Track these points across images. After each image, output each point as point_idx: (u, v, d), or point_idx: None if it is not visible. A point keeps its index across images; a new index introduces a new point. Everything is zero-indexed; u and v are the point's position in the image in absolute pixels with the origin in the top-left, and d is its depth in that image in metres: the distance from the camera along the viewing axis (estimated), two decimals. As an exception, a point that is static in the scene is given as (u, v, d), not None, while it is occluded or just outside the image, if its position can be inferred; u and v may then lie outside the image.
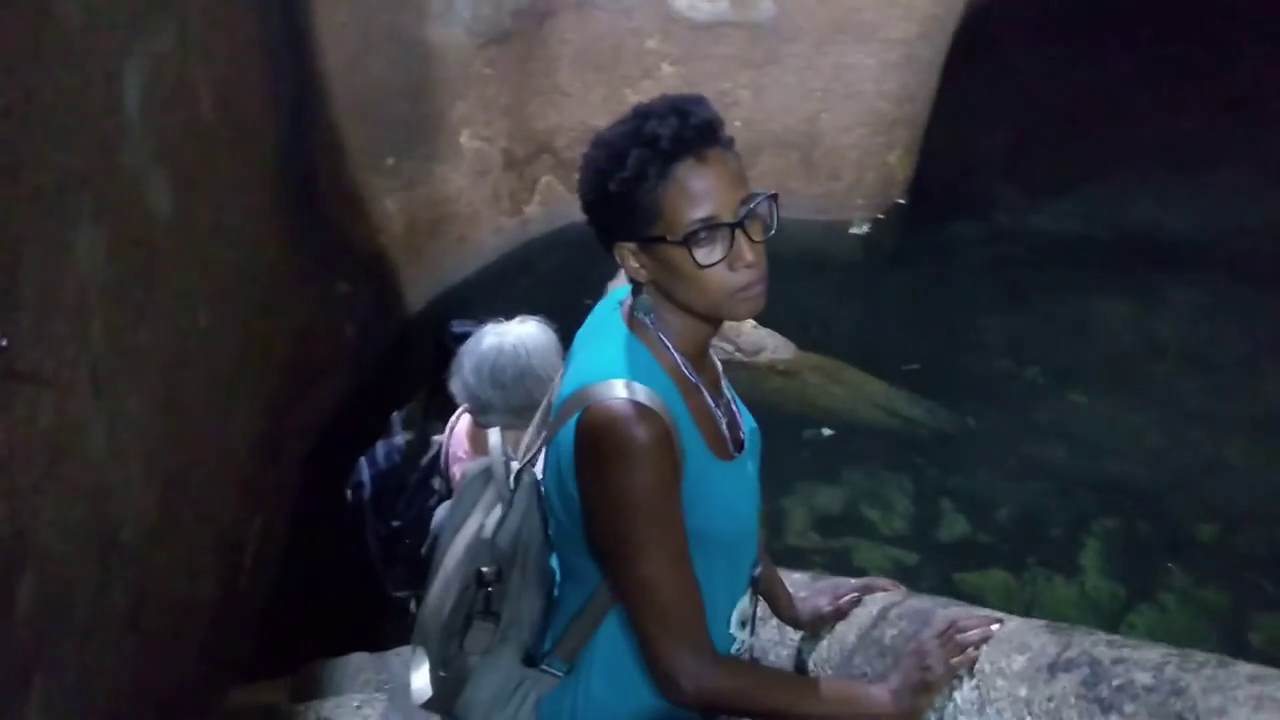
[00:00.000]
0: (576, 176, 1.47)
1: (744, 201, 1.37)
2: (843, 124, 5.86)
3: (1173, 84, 7.27)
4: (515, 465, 1.57)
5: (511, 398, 2.50)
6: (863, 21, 5.81)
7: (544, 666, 1.56)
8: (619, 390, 1.36)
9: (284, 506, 4.30)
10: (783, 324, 5.11)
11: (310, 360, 4.76)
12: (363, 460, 2.96)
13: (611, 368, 1.40)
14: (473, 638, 1.55)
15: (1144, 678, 1.26)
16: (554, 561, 1.61)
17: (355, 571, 3.07)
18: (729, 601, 1.56)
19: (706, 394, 1.49)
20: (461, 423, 2.71)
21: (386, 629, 3.54)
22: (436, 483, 2.71)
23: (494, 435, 1.64)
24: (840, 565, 4.14)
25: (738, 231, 1.36)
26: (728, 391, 1.58)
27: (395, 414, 3.07)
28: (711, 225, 1.35)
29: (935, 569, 4.23)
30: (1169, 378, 5.33)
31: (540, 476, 1.56)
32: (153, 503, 2.76)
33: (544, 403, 1.61)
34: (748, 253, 1.37)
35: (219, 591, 3.43)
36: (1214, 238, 6.21)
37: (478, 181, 5.91)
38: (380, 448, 2.96)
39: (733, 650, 1.57)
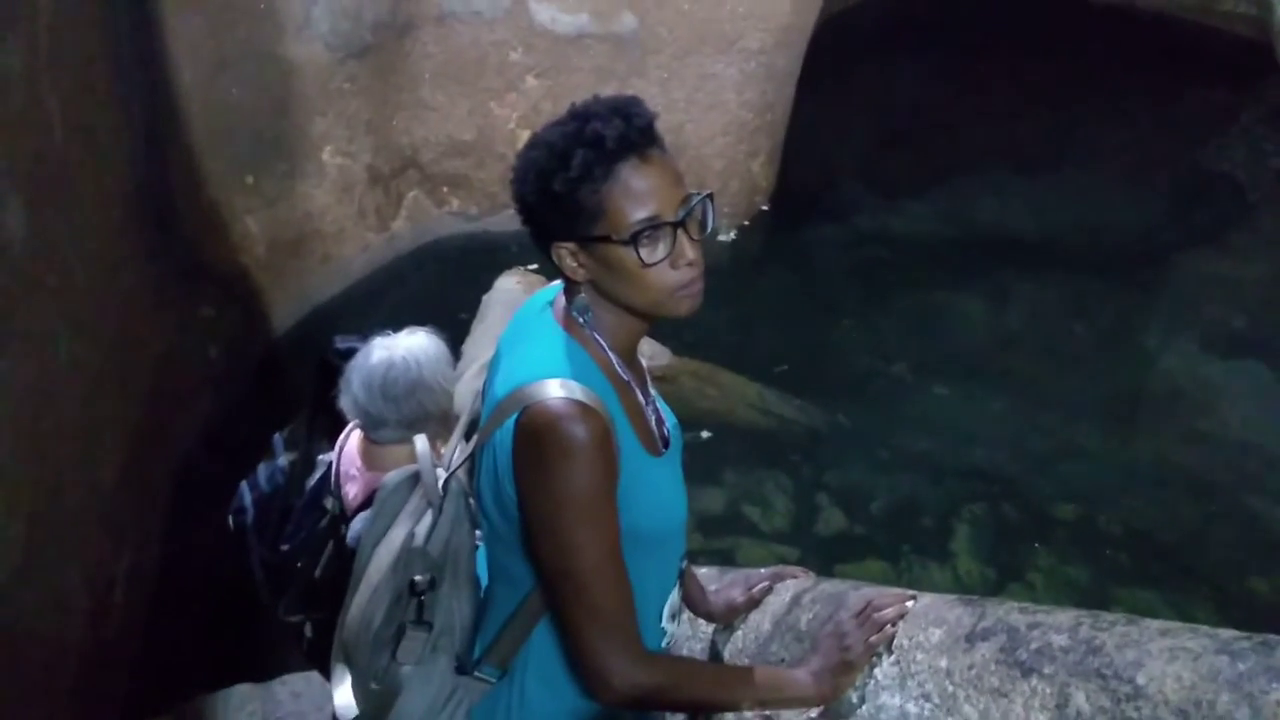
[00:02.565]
0: (512, 179, 1.46)
1: (684, 201, 1.40)
2: (706, 134, 5.96)
3: (1015, 91, 7.62)
4: (442, 472, 1.55)
5: (404, 411, 2.46)
6: (722, 32, 5.92)
7: (476, 674, 1.55)
8: (558, 389, 1.37)
9: (157, 538, 4.14)
10: (658, 330, 5.14)
11: (174, 388, 4.59)
12: (244, 484, 2.86)
13: (548, 367, 1.40)
14: (406, 648, 1.53)
15: (1060, 639, 1.32)
16: (480, 568, 1.60)
17: (237, 600, 2.97)
18: (660, 596, 1.58)
19: (638, 392, 1.51)
20: (352, 440, 2.64)
21: (271, 659, 3.45)
22: (328, 503, 2.64)
23: (421, 443, 1.62)
24: (725, 565, 4.20)
25: (680, 230, 1.38)
26: (652, 389, 1.59)
27: (276, 435, 2.97)
28: (655, 224, 1.37)
29: (816, 563, 4.30)
30: (1023, 368, 5.58)
31: (463, 481, 1.55)
32: (17, 542, 2.63)
33: (469, 408, 1.60)
34: (689, 251, 1.39)
35: (90, 629, 3.28)
36: (1057, 235, 6.52)
37: (342, 198, 5.80)
38: (262, 470, 2.86)
39: (663, 643, 1.60)
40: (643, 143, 1.38)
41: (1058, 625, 1.34)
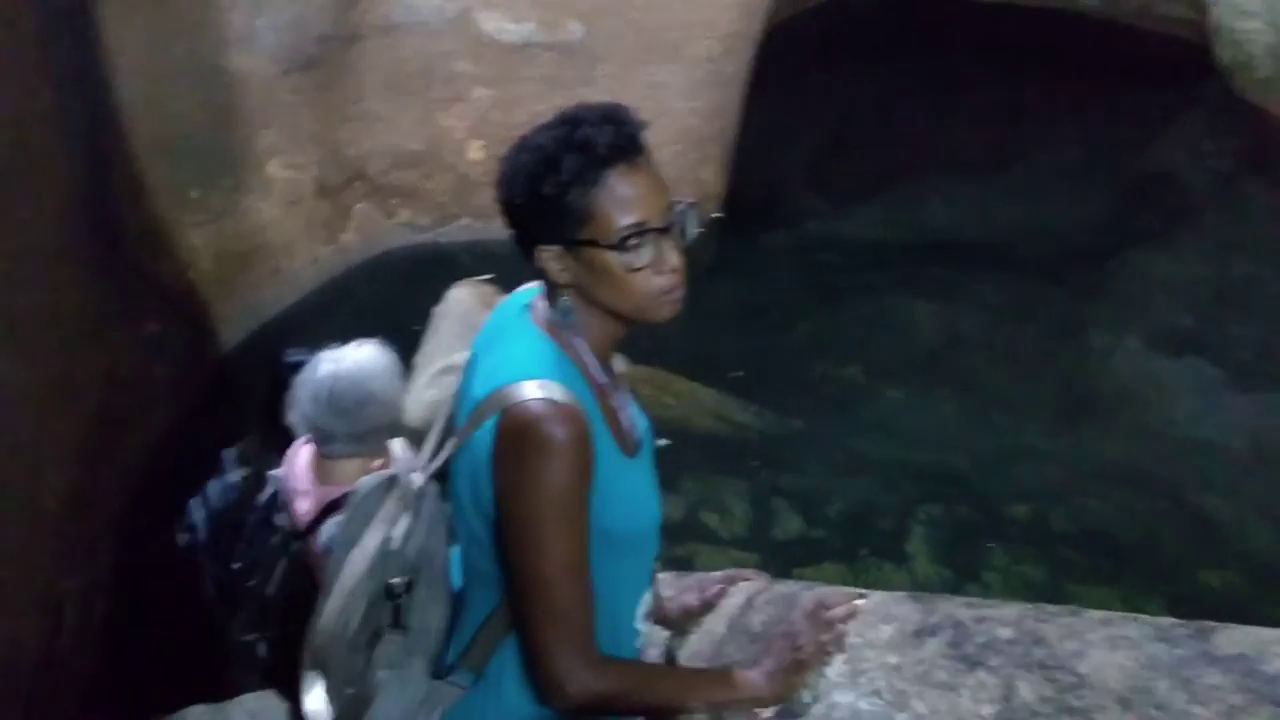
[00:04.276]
0: (498, 181, 1.48)
1: (669, 209, 1.43)
2: (656, 141, 5.84)
3: (959, 97, 7.72)
4: (418, 475, 1.55)
5: (354, 424, 2.45)
6: (669, 41, 5.95)
7: (451, 678, 1.55)
8: (538, 390, 1.39)
9: (107, 559, 4.08)
10: (613, 339, 5.16)
11: (121, 406, 4.53)
12: (194, 502, 2.83)
13: (528, 369, 1.42)
14: (382, 652, 1.53)
15: (1005, 632, 1.34)
16: (455, 571, 1.60)
17: (190, 620, 2.93)
18: (635, 596, 1.60)
19: (614, 394, 1.53)
20: (302, 454, 2.62)
21: (225, 679, 3.39)
22: (280, 519, 2.61)
23: (397, 446, 1.62)
24: (685, 571, 4.20)
25: (664, 237, 1.41)
26: (627, 392, 1.61)
27: (227, 451, 2.94)
28: (642, 230, 1.40)
29: (774, 567, 4.31)
30: (974, 369, 5.64)
31: (439, 484, 1.55)
32: (-38, 564, 2.57)
33: (444, 411, 1.60)
34: (673, 257, 1.42)
35: (40, 652, 3.22)
36: (1004, 237, 6.61)
37: (290, 211, 5.75)
38: (213, 487, 2.83)
39: (637, 644, 1.61)
40: (631, 150, 1.41)
41: (1003, 619, 1.36)
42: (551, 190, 1.40)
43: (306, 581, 2.49)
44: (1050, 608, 1.37)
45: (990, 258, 6.44)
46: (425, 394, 2.67)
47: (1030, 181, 7.08)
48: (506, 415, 1.39)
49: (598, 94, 5.91)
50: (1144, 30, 8.00)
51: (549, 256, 1.44)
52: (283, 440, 2.69)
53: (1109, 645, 1.20)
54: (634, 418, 1.59)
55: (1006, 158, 7.40)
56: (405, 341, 4.51)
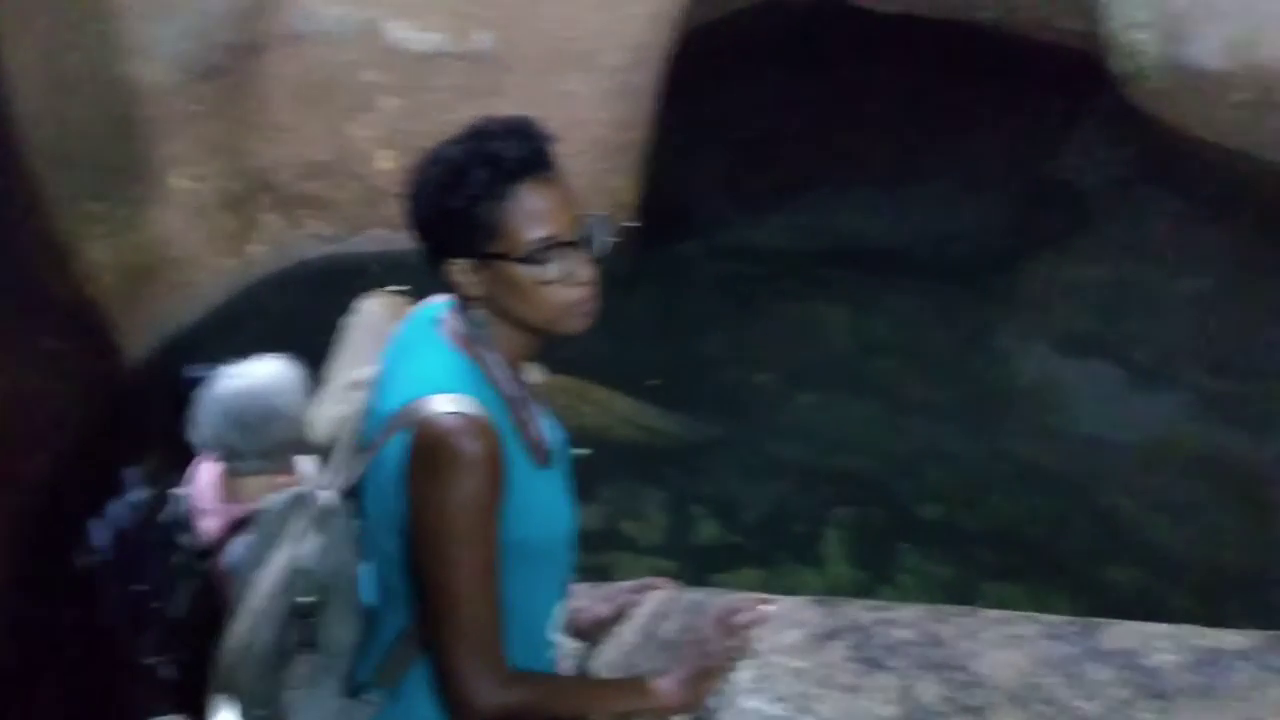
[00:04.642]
0: (406, 194, 1.49)
1: (580, 222, 1.44)
2: (568, 152, 5.83)
3: (868, 106, 7.85)
4: (326, 492, 1.54)
5: (259, 441, 2.42)
6: (579, 50, 5.95)
7: (364, 696, 1.54)
8: (450, 404, 1.39)
9: (6, 586, 3.95)
10: (528, 349, 5.15)
11: (19, 427, 4.40)
12: (96, 523, 2.76)
13: (440, 383, 1.42)
14: (293, 672, 1.52)
15: (905, 634, 1.37)
16: (365, 589, 1.59)
17: (94, 644, 2.86)
18: (551, 607, 1.61)
19: (526, 406, 1.53)
20: (207, 472, 2.58)
21: (132, 703, 3.31)
22: (184, 539, 2.56)
23: (305, 463, 1.61)
24: (604, 581, 4.21)
25: (576, 250, 1.43)
26: (540, 403, 1.62)
27: (129, 471, 2.88)
28: (552, 244, 1.41)
29: (692, 573, 4.36)
30: (885, 373, 5.74)
31: (348, 501, 1.54)
32: None
33: (352, 425, 1.59)
34: (585, 270, 1.44)
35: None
36: (913, 244, 6.73)
37: (194, 223, 5.64)
38: (115, 508, 2.77)
39: (554, 655, 1.63)
40: (540, 164, 1.43)
41: (903, 620, 1.39)
42: (460, 204, 1.41)
43: (213, 602, 2.45)
44: (948, 608, 1.41)
45: (900, 264, 6.56)
46: (332, 409, 2.62)
47: (937, 189, 7.22)
48: (418, 429, 1.39)
49: (508, 104, 5.88)
50: (1042, 42, 8.24)
51: (459, 270, 1.45)
52: (187, 458, 2.64)
53: (1003, 644, 1.24)
54: (546, 429, 1.60)
55: (914, 166, 7.54)
56: (315, 354, 4.46)
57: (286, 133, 5.91)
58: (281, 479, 2.43)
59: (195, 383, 2.59)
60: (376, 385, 1.56)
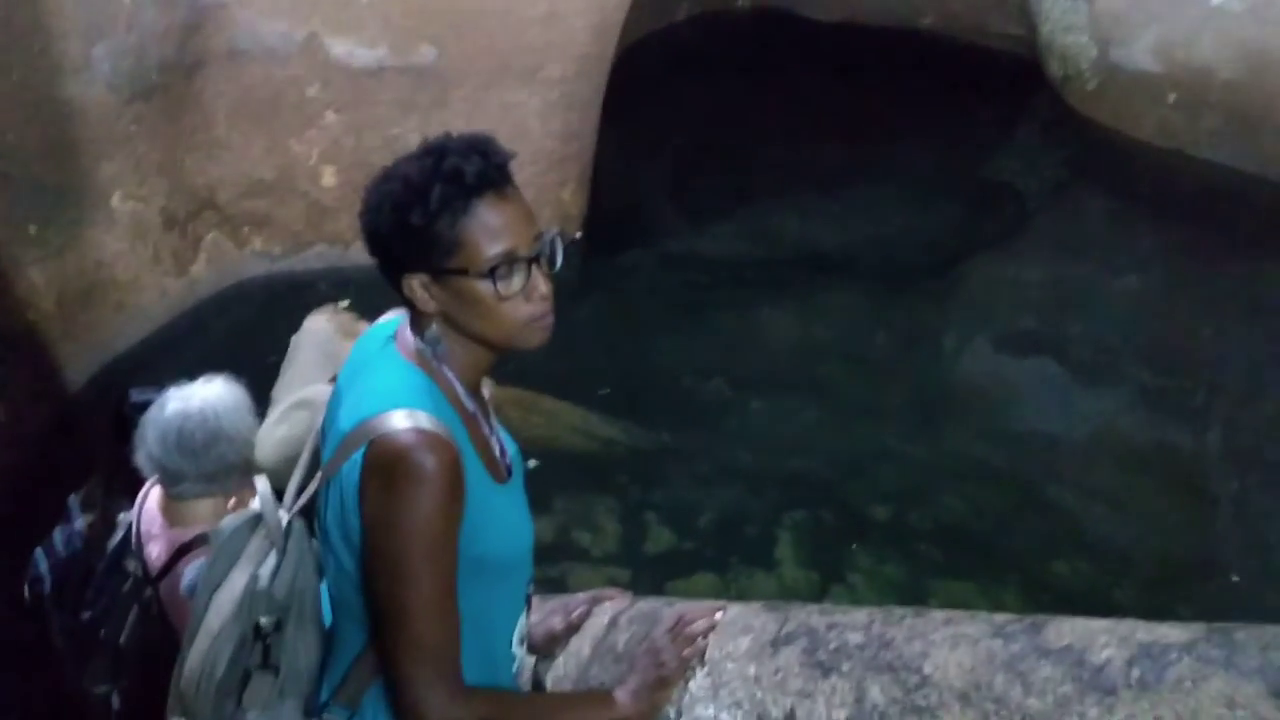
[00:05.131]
0: (364, 210, 1.49)
1: (538, 238, 1.46)
2: (514, 164, 5.96)
3: (811, 113, 7.93)
4: (284, 512, 1.54)
5: (204, 464, 2.40)
6: (523, 63, 5.95)
7: (324, 715, 1.54)
8: (407, 420, 1.39)
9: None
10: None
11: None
12: (39, 552, 2.72)
13: (396, 398, 1.42)
14: (252, 693, 1.51)
15: (855, 637, 1.39)
16: (324, 608, 1.60)
17: (39, 674, 2.81)
18: (510, 621, 1.62)
19: (483, 422, 1.54)
20: (152, 497, 2.54)
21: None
22: (130, 565, 2.53)
23: (262, 483, 1.59)
24: (558, 592, 4.21)
25: (534, 265, 1.44)
26: (495, 418, 1.64)
27: (72, 497, 2.83)
28: (512, 259, 1.42)
29: (647, 582, 4.38)
30: (833, 376, 5.79)
31: (301, 521, 1.55)
32: None
33: (308, 444, 1.59)
34: (542, 285, 1.46)
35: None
36: (858, 248, 6.80)
37: (135, 244, 5.56)
38: (58, 535, 2.73)
39: (514, 668, 1.63)
40: (500, 180, 1.44)
41: (853, 624, 1.41)
42: (419, 220, 1.41)
43: (160, 629, 2.42)
44: (898, 610, 1.43)
45: (845, 268, 6.63)
46: (277, 430, 2.62)
47: (880, 193, 7.31)
48: (375, 446, 1.39)
49: (452, 117, 5.92)
50: (980, 47, 8.37)
51: (416, 285, 1.46)
52: (131, 483, 2.61)
53: (950, 644, 1.26)
54: (503, 444, 1.61)
55: (857, 171, 7.62)
56: (263, 373, 4.41)
57: (229, 150, 5.84)
58: (228, 502, 2.41)
59: (140, 406, 2.56)
60: (331, 404, 1.56)
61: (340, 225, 5.96)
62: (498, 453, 1.57)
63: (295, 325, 4.81)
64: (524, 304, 1.44)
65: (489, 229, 1.42)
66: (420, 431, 1.39)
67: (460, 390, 1.50)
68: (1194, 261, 6.68)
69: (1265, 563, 4.76)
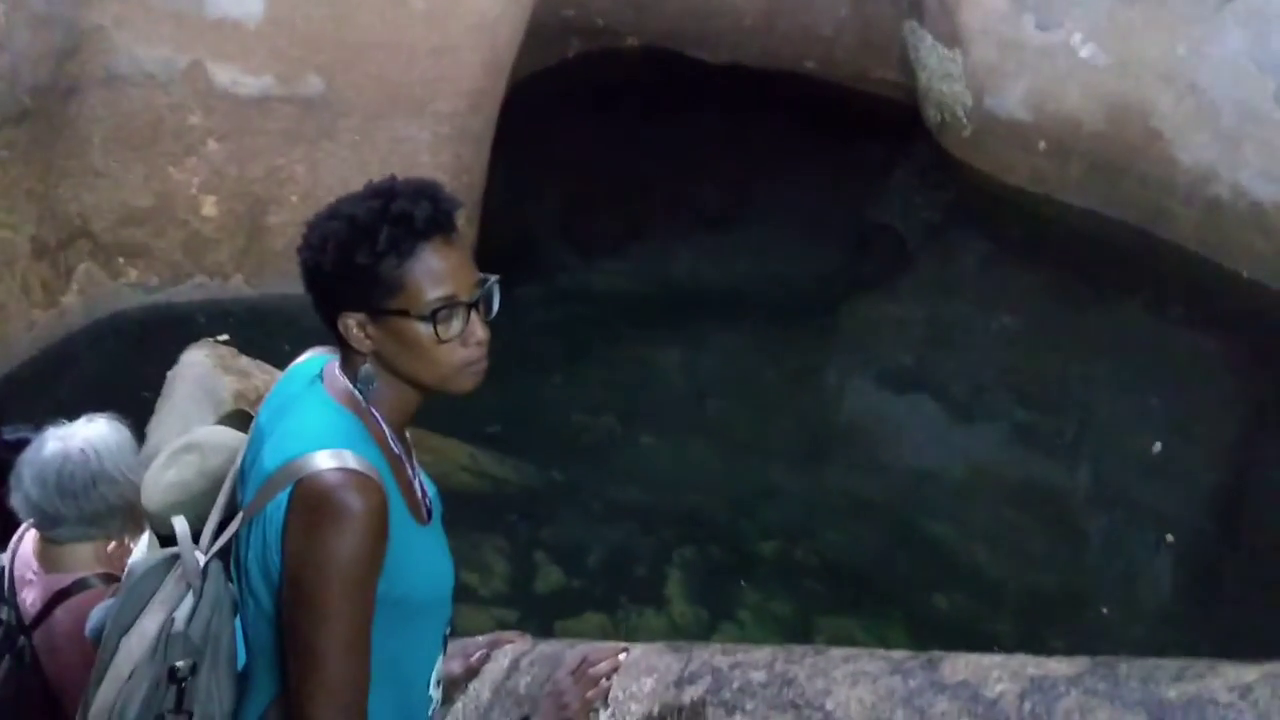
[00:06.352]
0: (305, 248, 1.50)
1: (478, 284, 1.48)
2: None
3: (698, 152, 8.05)
4: (201, 554, 1.51)
5: (84, 506, 2.30)
6: (413, 96, 5.91)
7: None
8: (333, 460, 1.39)
9: None
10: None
11: None
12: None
13: (323, 438, 1.42)
14: None
15: (758, 676, 1.41)
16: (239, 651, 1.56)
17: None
18: (429, 663, 1.61)
19: (407, 464, 1.55)
20: (26, 541, 2.43)
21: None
22: (3, 612, 2.41)
23: (180, 524, 1.55)
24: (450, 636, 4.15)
25: (473, 310, 1.47)
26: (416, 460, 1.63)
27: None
28: (453, 303, 1.44)
29: (536, 622, 4.36)
30: (721, 413, 5.87)
31: (218, 563, 1.52)
32: None
33: (227, 484, 1.56)
34: (480, 330, 1.47)
35: None
36: (744, 286, 6.92)
37: (3, 273, 5.33)
38: (-75, 581, 2.59)
39: (430, 711, 1.62)
40: (447, 226, 1.46)
41: (756, 663, 1.43)
42: (365, 259, 1.43)
43: (35, 679, 2.32)
44: (798, 649, 1.46)
45: (732, 305, 6.73)
46: (164, 474, 2.53)
47: (766, 232, 7.46)
48: (302, 485, 1.39)
49: (340, 148, 5.86)
50: (862, 92, 8.64)
51: (353, 324, 1.47)
52: (3, 526, 2.50)
53: (851, 681, 1.29)
54: (424, 485, 1.62)
55: (744, 210, 7.77)
56: (138, 410, 4.26)
57: (105, 178, 5.66)
58: (110, 546, 2.33)
59: (13, 445, 2.46)
60: (253, 444, 1.55)
61: (221, 256, 5.82)
62: (420, 495, 1.58)
63: (172, 360, 4.67)
64: (460, 348, 1.46)
65: (433, 273, 1.44)
66: (347, 471, 1.39)
67: (387, 432, 1.51)
68: (1062, 302, 6.98)
69: (1132, 594, 4.99)
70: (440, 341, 1.45)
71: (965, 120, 7.72)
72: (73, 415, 2.41)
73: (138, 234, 5.82)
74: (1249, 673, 1.03)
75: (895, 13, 8.27)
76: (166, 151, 5.74)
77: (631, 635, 4.35)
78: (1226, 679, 1.05)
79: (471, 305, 1.47)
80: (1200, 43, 6.68)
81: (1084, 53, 7.15)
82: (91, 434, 2.33)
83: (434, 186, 1.50)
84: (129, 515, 2.33)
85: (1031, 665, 1.22)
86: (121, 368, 5.53)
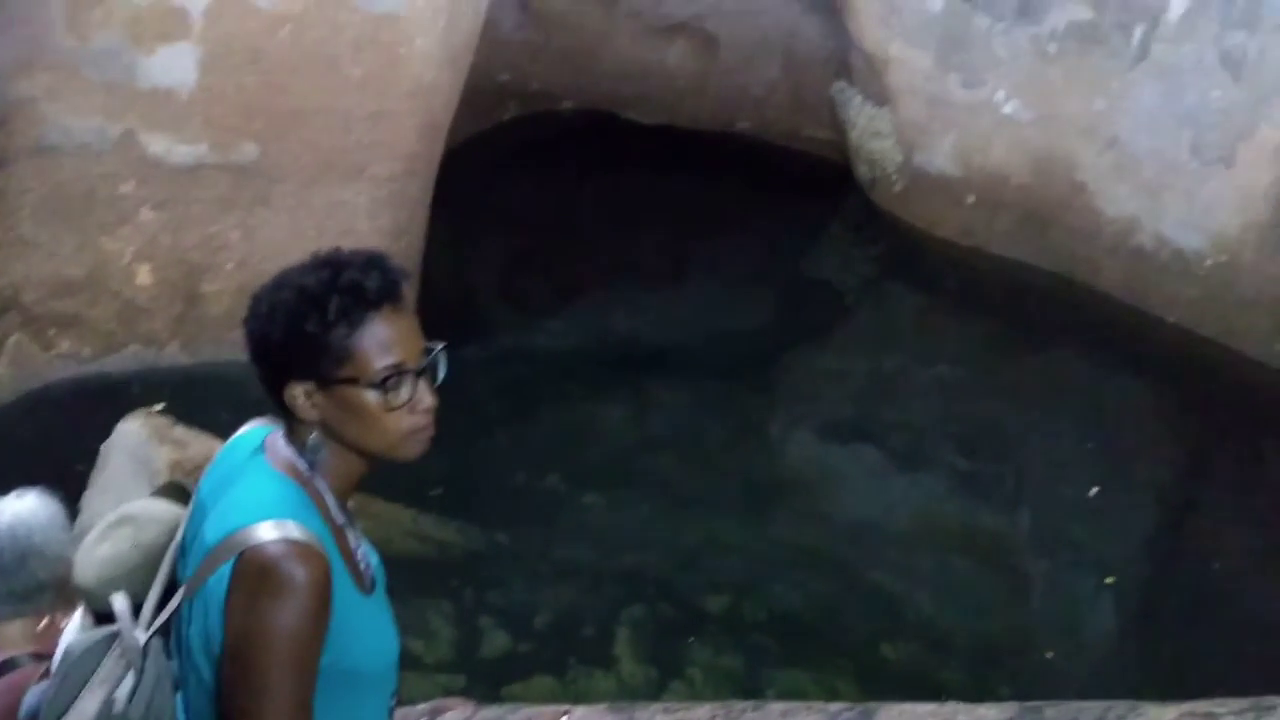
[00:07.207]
0: (252, 317, 1.51)
1: (426, 351, 1.50)
2: None
3: (635, 211, 8.14)
4: (142, 632, 1.49)
5: (14, 582, 2.26)
6: (349, 161, 5.92)
7: None
8: (275, 531, 1.39)
9: None
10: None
11: None
12: None
13: (266, 509, 1.42)
14: None
15: (699, 733, 1.41)
16: None
17: None
18: None
19: (350, 533, 1.54)
20: (-46, 619, 2.37)
21: None
22: (-72, 693, 2.34)
23: (119, 601, 1.52)
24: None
25: (421, 378, 1.47)
26: (359, 529, 1.62)
27: None
28: (401, 371, 1.45)
29: (483, 687, 4.31)
30: (665, 469, 5.88)
31: (159, 640, 1.50)
32: None
33: (167, 558, 1.55)
34: (427, 398, 1.48)
35: None
36: (684, 342, 6.97)
37: (-71, 346, 5.24)
38: None
39: None
40: (395, 295, 1.48)
41: (697, 719, 1.43)
42: (315, 328, 1.44)
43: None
44: (738, 704, 1.46)
45: (673, 361, 6.77)
46: (98, 549, 2.48)
47: (703, 289, 7.54)
48: (244, 558, 1.39)
49: (276, 214, 5.85)
50: (794, 150, 8.80)
51: (300, 394, 1.47)
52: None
53: (789, 735, 1.30)
54: (367, 555, 1.60)
55: (681, 268, 7.86)
56: (71, 483, 4.17)
57: (35, 248, 5.59)
58: (41, 623, 2.28)
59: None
60: (194, 517, 1.54)
61: (155, 325, 5.75)
62: (364, 565, 1.57)
63: (106, 431, 4.60)
64: (408, 415, 1.47)
65: (382, 341, 1.46)
66: (290, 542, 1.39)
67: (331, 501, 1.51)
68: (997, 351, 7.12)
69: (1074, 639, 5.04)
70: (389, 409, 1.46)
71: (895, 176, 7.89)
72: (2, 490, 2.38)
73: (70, 304, 5.74)
74: (1168, 712, 1.06)
75: (825, 73, 8.45)
76: (100, 221, 5.69)
77: (580, 697, 4.31)
78: (1147, 719, 1.07)
79: (419, 372, 1.48)
80: (1118, 97, 6.91)
81: (1008, 109, 7.36)
82: (21, 509, 2.29)
83: (381, 256, 1.52)
84: (60, 592, 2.28)
85: (963, 713, 1.24)
86: (54, 440, 5.42)
